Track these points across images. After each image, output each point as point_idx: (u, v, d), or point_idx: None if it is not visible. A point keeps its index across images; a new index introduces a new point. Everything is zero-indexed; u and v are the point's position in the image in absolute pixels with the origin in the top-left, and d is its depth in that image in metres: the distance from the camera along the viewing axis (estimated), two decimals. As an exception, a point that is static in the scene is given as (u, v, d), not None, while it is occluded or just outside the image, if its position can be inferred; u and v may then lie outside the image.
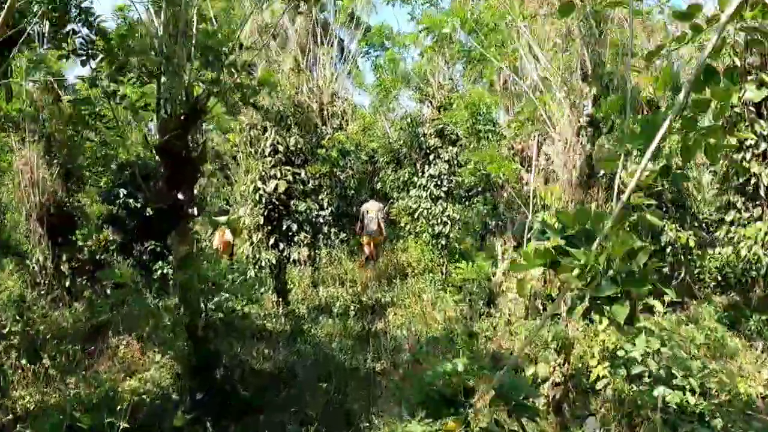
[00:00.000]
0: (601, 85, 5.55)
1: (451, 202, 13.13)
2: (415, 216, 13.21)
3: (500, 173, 8.74)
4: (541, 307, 6.11)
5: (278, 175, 9.46)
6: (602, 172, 5.98)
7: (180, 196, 5.10)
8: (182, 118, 5.12)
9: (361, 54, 21.57)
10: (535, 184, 9.93)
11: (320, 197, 12.53)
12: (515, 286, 5.71)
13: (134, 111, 5.61)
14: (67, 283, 11.68)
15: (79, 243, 13.70)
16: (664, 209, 10.59)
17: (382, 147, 19.46)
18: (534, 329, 5.96)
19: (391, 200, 22.08)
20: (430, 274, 13.51)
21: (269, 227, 9.66)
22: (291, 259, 9.76)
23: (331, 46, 14.41)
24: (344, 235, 19.38)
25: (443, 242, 13.01)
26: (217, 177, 18.11)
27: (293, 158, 9.84)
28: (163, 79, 5.36)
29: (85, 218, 14.44)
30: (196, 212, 5.32)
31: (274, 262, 9.65)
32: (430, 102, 13.52)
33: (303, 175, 9.74)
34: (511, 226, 10.28)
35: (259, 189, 9.49)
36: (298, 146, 9.77)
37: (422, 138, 13.33)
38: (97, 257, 12.92)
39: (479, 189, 20.63)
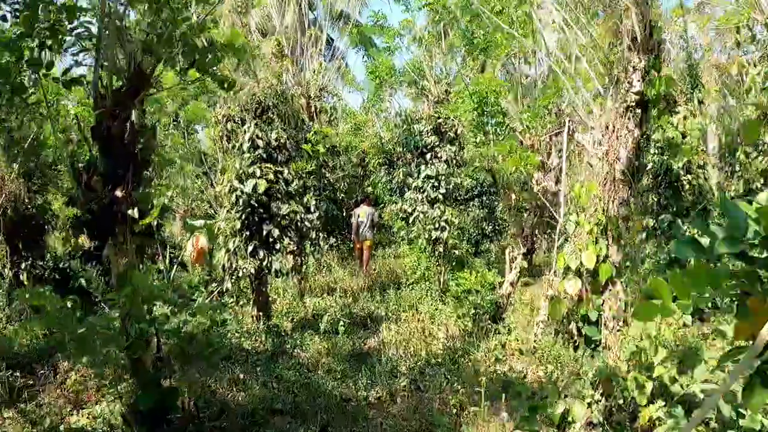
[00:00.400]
0: (655, 54, 4.41)
1: (450, 206, 11.94)
2: (411, 221, 12.01)
3: (522, 167, 7.57)
4: (575, 331, 4.92)
5: (258, 174, 8.21)
6: (650, 165, 4.81)
7: (117, 193, 3.87)
8: (121, 90, 3.90)
9: (351, 47, 20.40)
10: (557, 181, 8.78)
11: (306, 199, 11.30)
12: (548, 309, 4.54)
13: (66, 85, 4.37)
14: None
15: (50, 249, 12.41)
16: None
17: (374, 147, 18.29)
18: (571, 360, 4.77)
19: (383, 204, 20.94)
20: (427, 283, 12.31)
21: (247, 232, 8.40)
22: (273, 269, 8.49)
23: (320, 35, 13.21)
24: (334, 240, 18.20)
25: (440, 249, 11.81)
26: (201, 178, 16.82)
27: (275, 155, 8.59)
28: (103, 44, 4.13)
29: (55, 221, 13.15)
30: (137, 215, 4.07)
31: (252, 272, 8.39)
32: (427, 97, 12.35)
33: (286, 174, 8.49)
34: (520, 232, 9.10)
35: (236, 189, 8.23)
36: (281, 141, 8.53)
37: (418, 136, 12.16)
38: (63, 265, 11.60)
39: (475, 192, 19.51)
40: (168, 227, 17.24)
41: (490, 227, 19.08)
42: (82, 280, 8.54)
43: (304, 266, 12.45)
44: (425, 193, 11.76)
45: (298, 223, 8.67)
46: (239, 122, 8.67)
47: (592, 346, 4.89)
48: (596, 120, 4.95)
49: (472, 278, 9.38)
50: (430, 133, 12.11)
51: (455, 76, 12.28)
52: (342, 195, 17.84)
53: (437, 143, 12.04)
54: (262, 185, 8.06)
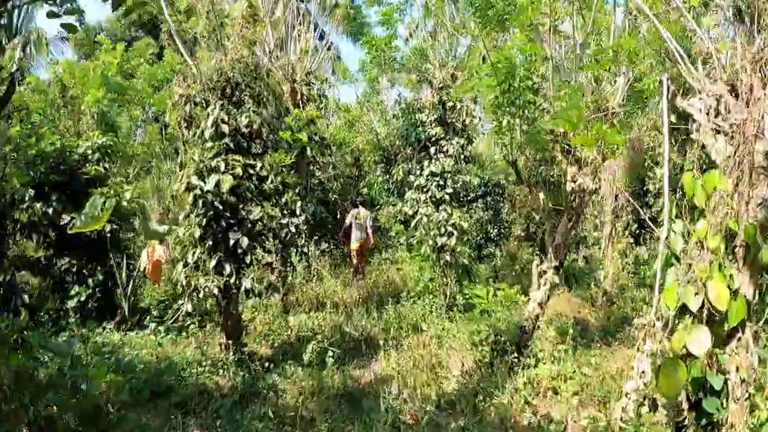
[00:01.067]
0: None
1: (457, 207, 10.11)
2: (412, 225, 10.15)
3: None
4: (685, 404, 3.10)
5: (222, 168, 6.35)
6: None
7: None
8: None
9: (344, 33, 18.51)
10: (594, 177, 6.99)
11: (285, 199, 9.45)
12: (662, 384, 2.72)
13: None
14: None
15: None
16: None
17: (370, 144, 16.46)
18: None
19: (379, 206, 19.09)
20: (431, 297, 10.48)
21: (210, 242, 6.53)
22: (243, 289, 6.63)
23: (308, 15, 11.35)
24: (326, 245, 16.35)
25: (447, 257, 9.96)
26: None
27: (246, 145, 6.73)
28: None
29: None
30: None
31: (216, 292, 6.53)
32: (430, 83, 10.53)
33: (259, 168, 6.63)
34: (550, 240, 7.28)
35: (194, 187, 6.37)
36: (254, 127, 6.67)
37: (420, 128, 10.34)
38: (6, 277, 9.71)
39: (479, 192, 17.65)
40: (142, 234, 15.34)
41: (495, 230, 17.28)
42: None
43: (289, 278, 10.59)
44: (429, 193, 9.92)
45: (276, 230, 6.80)
46: (202, 104, 6.82)
47: (706, 424, 3.06)
48: (717, 76, 3.13)
49: (488, 294, 7.55)
50: (434, 124, 10.28)
51: (463, 58, 10.45)
52: (335, 196, 16.02)
53: (443, 135, 10.21)
54: (227, 182, 6.19)
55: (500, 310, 7.50)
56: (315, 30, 13.64)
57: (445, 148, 10.11)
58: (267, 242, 6.81)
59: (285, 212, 6.88)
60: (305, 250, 10.55)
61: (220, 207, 6.36)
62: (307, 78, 10.43)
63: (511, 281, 14.44)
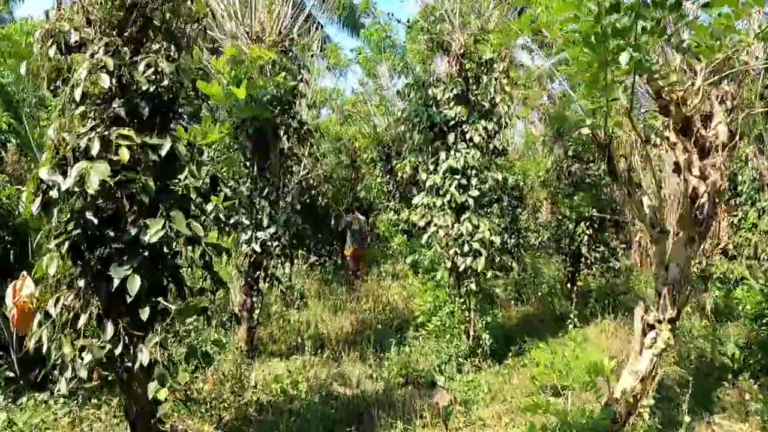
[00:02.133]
0: None
1: (484, 216, 7.19)
2: (424, 239, 7.20)
3: None
4: None
5: (94, 150, 3.44)
6: None
7: None
8: None
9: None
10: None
11: (219, 205, 6.54)
12: None
13: None
14: None
15: None
16: None
17: (367, 138, 13.55)
18: None
19: (377, 211, 16.18)
20: (449, 338, 7.57)
21: (81, 282, 3.63)
22: (138, 362, 3.68)
23: None
24: (315, 258, 13.45)
25: (472, 285, 7.05)
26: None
27: (152, 113, 3.83)
28: None
29: None
30: None
31: (89, 360, 3.60)
32: (446, 49, 7.65)
33: (167, 148, 3.71)
34: (661, 274, 4.33)
35: (46, 188, 3.46)
36: (163, 83, 3.75)
37: (434, 108, 7.46)
38: None
39: (494, 196, 14.73)
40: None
41: (513, 240, 14.37)
42: None
43: (256, 310, 7.66)
44: (447, 197, 7.01)
45: (209, 259, 3.86)
46: (75, 46, 3.91)
47: None
48: None
49: (557, 358, 4.63)
50: (453, 103, 7.38)
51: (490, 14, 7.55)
52: (325, 200, 13.14)
53: (465, 118, 7.31)
54: (98, 174, 3.28)
55: (575, 386, 4.57)
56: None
57: (468, 135, 7.20)
58: (186, 277, 3.88)
59: (219, 225, 3.93)
60: (278, 272, 7.62)
61: (93, 220, 3.44)
62: (281, 41, 7.51)
63: (539, 306, 11.57)
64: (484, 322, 7.49)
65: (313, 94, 11.90)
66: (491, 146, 7.37)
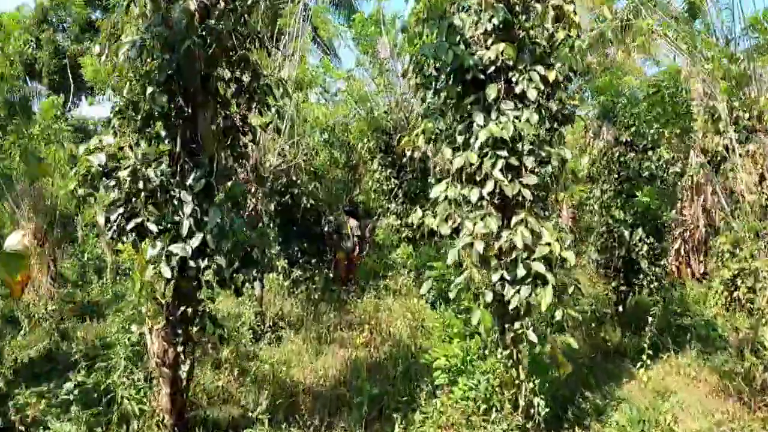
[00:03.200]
0: None
1: (545, 218, 4.36)
2: (450, 258, 4.28)
3: None
4: None
5: None
6: None
7: None
8: None
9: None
10: None
11: (163, 195, 3.66)
12: None
13: None
14: None
15: None
16: None
17: (362, 121, 10.68)
18: None
19: (377, 216, 13.41)
20: (485, 410, 4.67)
21: None
22: None
23: None
24: (300, 272, 10.59)
25: (532, 336, 4.16)
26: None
27: None
28: None
29: None
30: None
31: None
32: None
33: None
34: None
35: None
36: None
37: (461, 45, 4.59)
38: None
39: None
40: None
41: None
42: None
43: (183, 365, 4.76)
44: (488, 185, 4.15)
45: None
46: None
47: None
48: None
49: None
50: (491, 39, 4.56)
51: None
52: (311, 201, 10.30)
53: (511, 62, 4.47)
54: None
55: None
56: None
57: (518, 89, 4.37)
58: None
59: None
60: (208, 306, 4.72)
61: None
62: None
63: (583, 337, 8.64)
64: (536, 383, 4.60)
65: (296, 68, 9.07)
66: (553, 107, 4.52)
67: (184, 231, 3.87)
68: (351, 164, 14.20)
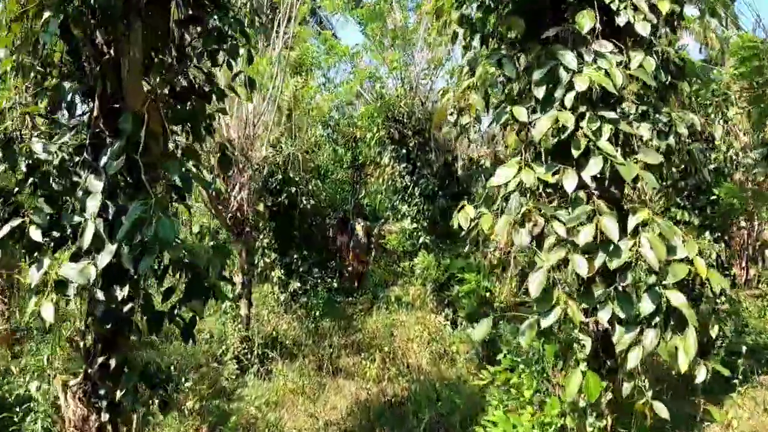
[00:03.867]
0: None
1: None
2: (534, 287, 2.69)
3: None
4: None
5: None
6: None
7: None
8: None
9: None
10: None
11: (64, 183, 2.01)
12: None
13: None
14: None
15: None
16: None
17: (371, 106, 9.02)
18: None
19: (383, 220, 11.85)
20: None
21: None
22: None
23: None
24: (298, 284, 8.96)
25: (656, 402, 2.56)
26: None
27: None
28: None
29: None
30: None
31: None
32: None
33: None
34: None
35: None
36: None
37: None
38: None
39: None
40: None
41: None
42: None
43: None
44: (590, 167, 2.56)
45: None
46: None
47: None
48: None
49: None
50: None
51: None
52: (310, 202, 8.72)
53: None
54: None
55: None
56: None
57: (621, 21, 2.76)
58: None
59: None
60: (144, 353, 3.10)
61: None
62: None
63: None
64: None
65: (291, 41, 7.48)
66: (670, 52, 2.89)
67: (86, 241, 2.24)
68: (357, 164, 12.67)
